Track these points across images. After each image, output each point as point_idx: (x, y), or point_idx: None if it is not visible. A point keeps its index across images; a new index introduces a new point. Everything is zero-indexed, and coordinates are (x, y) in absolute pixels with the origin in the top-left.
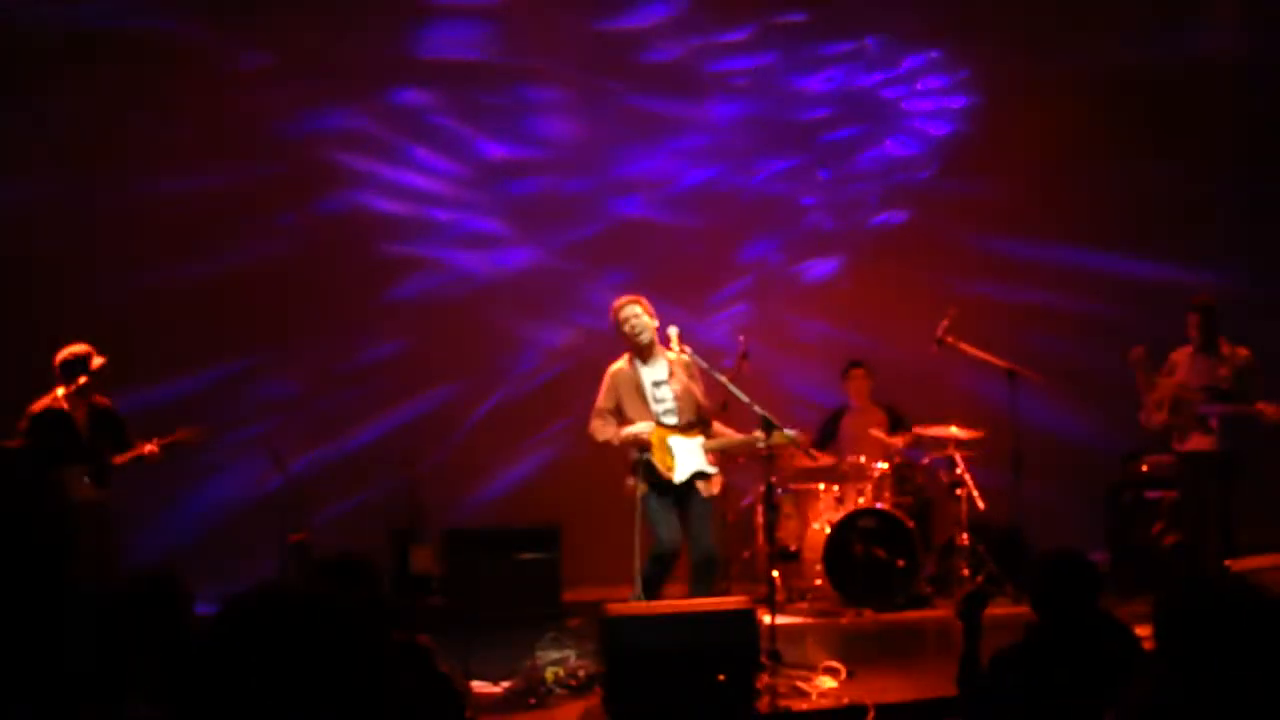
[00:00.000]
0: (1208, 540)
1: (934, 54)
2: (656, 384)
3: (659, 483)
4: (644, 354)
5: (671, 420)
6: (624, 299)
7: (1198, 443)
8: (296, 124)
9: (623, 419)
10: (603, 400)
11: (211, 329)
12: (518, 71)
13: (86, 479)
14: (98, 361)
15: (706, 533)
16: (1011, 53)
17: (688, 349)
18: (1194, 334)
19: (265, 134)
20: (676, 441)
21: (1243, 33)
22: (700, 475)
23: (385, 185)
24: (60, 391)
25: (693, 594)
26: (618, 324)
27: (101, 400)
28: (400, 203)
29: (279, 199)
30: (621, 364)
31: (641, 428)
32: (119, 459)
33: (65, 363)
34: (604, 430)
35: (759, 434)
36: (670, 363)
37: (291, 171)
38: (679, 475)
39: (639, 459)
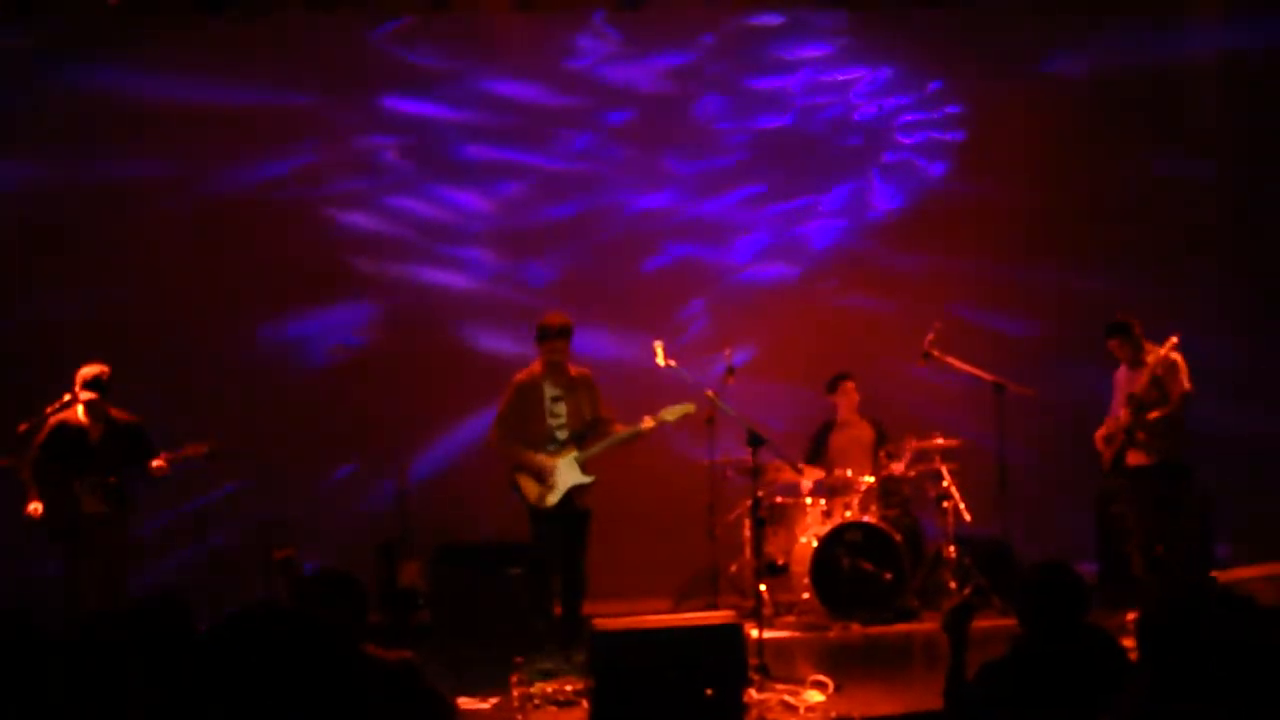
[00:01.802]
0: (1138, 555)
1: (925, 74)
2: (555, 399)
3: (531, 507)
4: (555, 373)
5: (563, 435)
6: (554, 325)
7: (1134, 458)
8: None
9: (517, 425)
10: (506, 409)
11: (208, 343)
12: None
13: (96, 493)
14: (85, 396)
15: (575, 552)
16: (997, 68)
17: (673, 362)
18: (1122, 356)
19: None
20: (552, 466)
21: (1226, 33)
22: (577, 489)
23: (384, 211)
24: (80, 409)
25: (563, 610)
26: (544, 345)
27: (124, 416)
28: (401, 228)
29: (277, 216)
30: (529, 375)
31: (542, 464)
32: (114, 479)
33: (94, 381)
34: (506, 447)
35: (641, 423)
36: (571, 378)
37: (292, 192)
38: (553, 499)
39: (512, 482)
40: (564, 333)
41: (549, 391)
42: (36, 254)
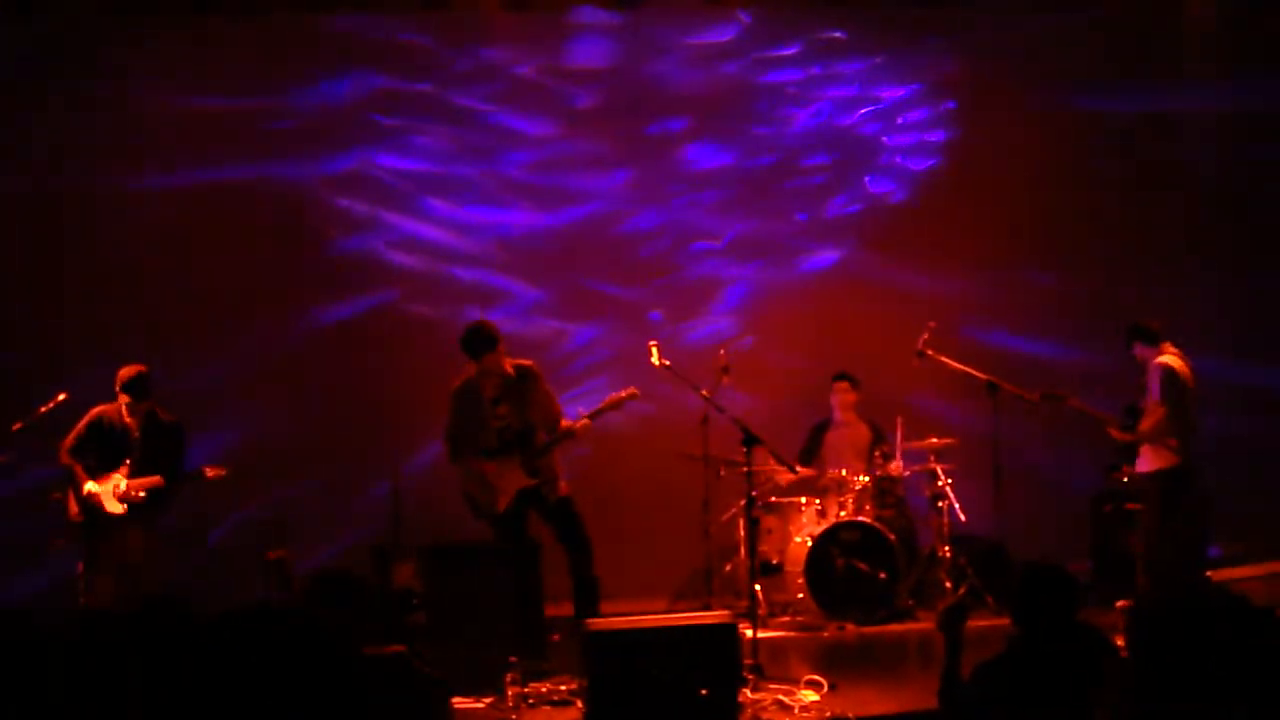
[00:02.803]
0: (1154, 555)
1: (915, 87)
2: (495, 401)
3: (485, 516)
4: (491, 375)
5: (510, 436)
6: (486, 338)
7: (1140, 464)
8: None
9: (465, 434)
10: (451, 422)
11: (205, 345)
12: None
13: (121, 488)
14: (123, 399)
15: (572, 540)
16: (991, 87)
17: (668, 362)
18: (1144, 359)
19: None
20: (496, 470)
21: (1221, 84)
22: (526, 493)
23: (378, 214)
24: (124, 405)
25: (576, 607)
26: (481, 360)
27: (165, 415)
28: (396, 231)
29: (274, 216)
30: (464, 382)
31: (487, 472)
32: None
33: (128, 381)
34: (460, 460)
35: (575, 423)
36: (508, 376)
37: (290, 193)
38: (502, 504)
39: (465, 495)
40: (495, 344)
41: (489, 394)
42: (35, 254)
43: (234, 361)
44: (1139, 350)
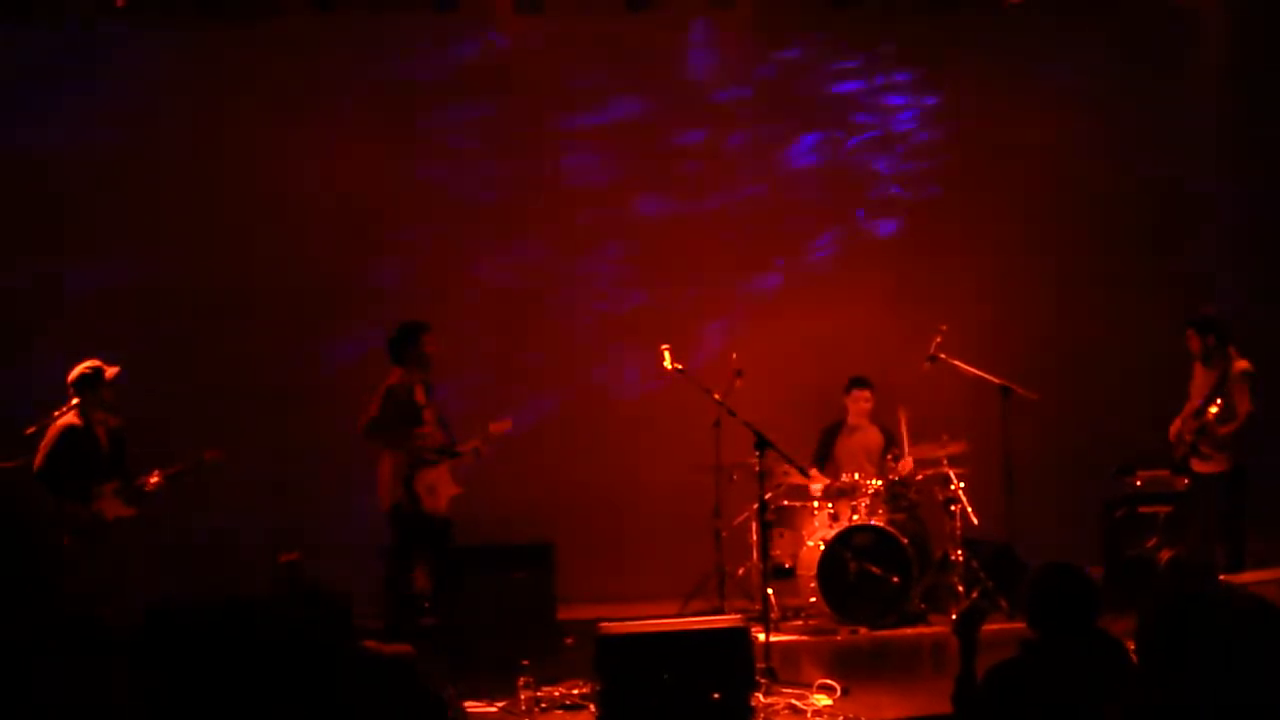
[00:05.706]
0: (1206, 556)
1: (912, 73)
2: (423, 407)
3: (414, 511)
4: (422, 379)
5: (440, 440)
6: (416, 336)
7: (1199, 465)
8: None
9: (393, 431)
10: (380, 413)
11: (215, 348)
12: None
13: (119, 498)
14: (111, 371)
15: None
16: (995, 84)
17: (680, 365)
18: (1192, 349)
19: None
20: (436, 476)
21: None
22: (454, 499)
23: (390, 218)
24: (73, 405)
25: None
26: (425, 355)
27: (114, 420)
28: (403, 233)
29: (287, 221)
30: (399, 380)
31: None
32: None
33: (80, 379)
34: (401, 443)
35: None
36: (432, 386)
37: (300, 197)
38: (441, 505)
39: (405, 480)
40: (426, 349)
41: (420, 399)
42: (38, 254)
43: (246, 363)
44: (1206, 343)
